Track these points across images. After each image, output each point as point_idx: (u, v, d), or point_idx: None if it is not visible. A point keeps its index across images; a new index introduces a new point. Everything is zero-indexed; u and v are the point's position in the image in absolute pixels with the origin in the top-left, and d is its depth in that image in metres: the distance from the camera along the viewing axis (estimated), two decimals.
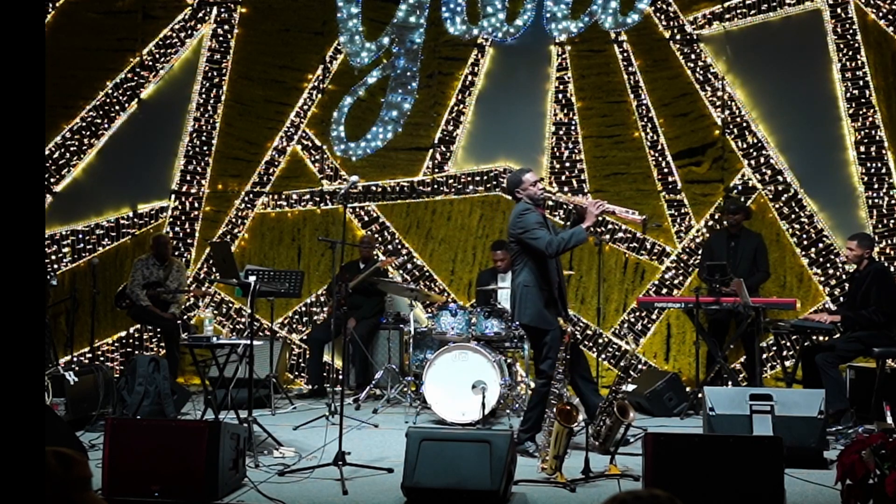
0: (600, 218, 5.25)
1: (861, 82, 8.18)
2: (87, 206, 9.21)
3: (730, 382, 7.33)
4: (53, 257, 9.12)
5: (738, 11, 8.46)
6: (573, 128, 8.66)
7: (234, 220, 9.09)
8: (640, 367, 8.34)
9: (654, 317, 8.46)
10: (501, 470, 4.29)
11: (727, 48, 8.48)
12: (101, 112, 9.23)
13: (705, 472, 4.21)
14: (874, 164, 8.15)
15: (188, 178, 9.15)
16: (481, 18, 8.78)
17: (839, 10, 8.25)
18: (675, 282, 8.43)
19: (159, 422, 5.61)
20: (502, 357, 6.83)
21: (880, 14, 8.20)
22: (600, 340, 8.42)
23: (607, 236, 8.52)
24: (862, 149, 8.18)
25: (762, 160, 8.36)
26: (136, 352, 8.73)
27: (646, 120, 8.54)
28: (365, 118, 8.97)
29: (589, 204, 5.23)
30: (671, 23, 8.55)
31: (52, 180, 9.18)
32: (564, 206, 8.25)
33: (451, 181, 8.86)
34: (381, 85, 8.95)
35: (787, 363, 7.78)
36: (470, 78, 8.85)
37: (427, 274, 8.80)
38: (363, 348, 7.78)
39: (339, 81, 9.04)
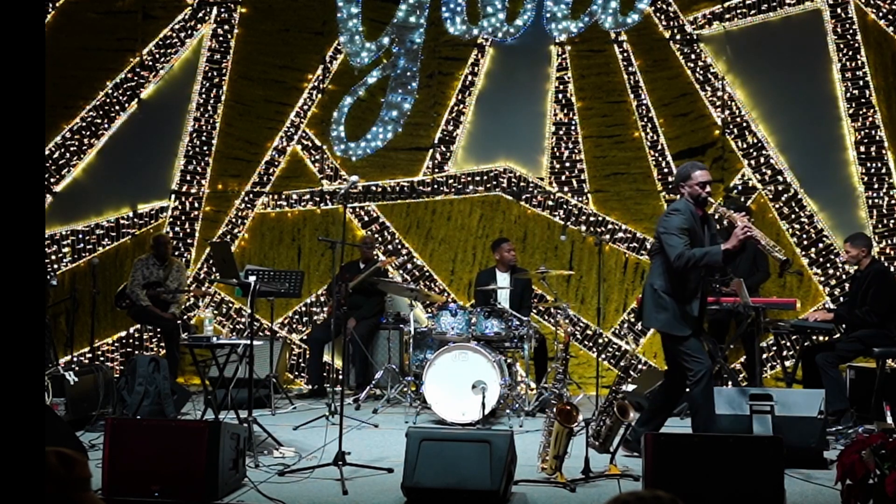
0: (741, 242, 4.92)
1: (861, 82, 8.19)
2: (87, 206, 9.21)
3: (730, 382, 7.33)
4: (53, 257, 9.12)
5: (738, 11, 8.47)
6: (573, 128, 8.66)
7: (234, 220, 9.09)
8: (640, 367, 8.34)
9: None
10: (501, 470, 4.28)
11: (727, 48, 8.48)
12: (101, 112, 9.24)
13: (705, 472, 4.20)
14: (874, 164, 8.15)
15: (188, 178, 9.15)
16: (481, 18, 8.79)
17: (839, 10, 8.26)
18: None
19: (159, 422, 5.61)
20: (502, 357, 6.83)
21: (880, 14, 8.21)
22: (600, 340, 8.42)
23: (607, 236, 8.52)
24: (862, 149, 8.18)
25: (762, 160, 8.36)
26: (136, 352, 8.73)
27: (646, 120, 8.54)
28: (365, 118, 8.98)
29: (738, 225, 4.94)
30: (671, 23, 8.56)
31: (52, 180, 9.18)
32: (563, 208, 8.24)
33: (451, 181, 8.86)
34: (381, 85, 8.96)
35: (787, 363, 7.78)
36: (470, 78, 8.85)
37: (427, 274, 8.80)
38: (363, 348, 7.78)
39: (339, 81, 9.04)
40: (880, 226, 8.10)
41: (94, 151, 9.25)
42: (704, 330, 5.28)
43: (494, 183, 8.78)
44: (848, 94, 8.22)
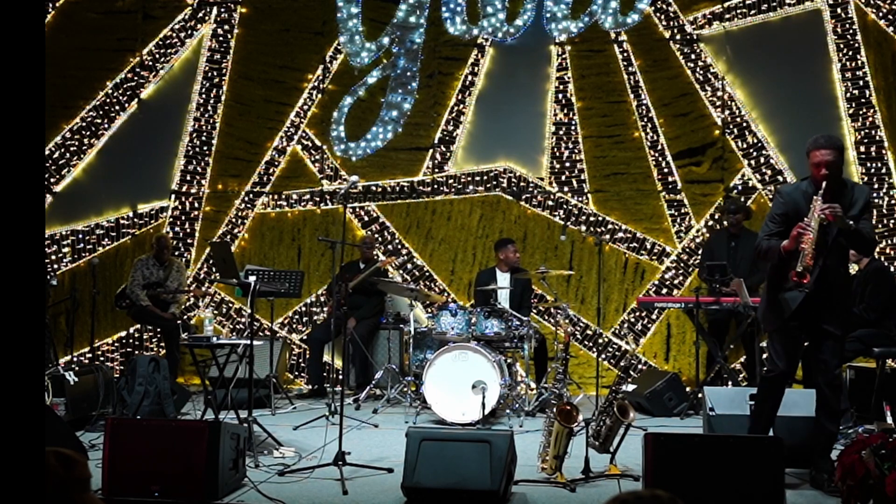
0: (795, 242, 4.44)
1: (861, 82, 8.19)
2: (87, 206, 9.21)
3: (730, 382, 7.33)
4: (53, 257, 9.12)
5: (738, 11, 8.47)
6: (573, 128, 8.66)
7: (234, 220, 9.09)
8: (640, 367, 8.34)
9: (654, 317, 8.46)
10: (501, 470, 4.28)
11: (727, 48, 8.48)
12: (101, 112, 9.24)
13: (705, 472, 4.20)
14: (874, 164, 8.15)
15: (188, 178, 9.15)
16: (481, 18, 8.79)
17: (839, 10, 8.26)
18: (675, 282, 8.43)
19: (159, 422, 5.60)
20: (502, 357, 6.83)
21: (880, 14, 8.21)
22: (600, 340, 8.42)
23: (607, 236, 8.52)
24: (862, 149, 8.18)
25: (762, 160, 8.36)
26: (136, 352, 8.73)
27: (646, 120, 8.54)
28: (365, 118, 8.98)
29: (806, 221, 4.43)
30: (671, 23, 8.56)
31: (52, 180, 9.18)
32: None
33: (451, 181, 8.86)
34: (381, 85, 8.96)
35: None
36: (470, 78, 8.85)
37: (427, 274, 8.80)
38: (363, 348, 7.78)
39: (339, 81, 9.04)
40: (880, 226, 8.09)
41: (94, 151, 9.26)
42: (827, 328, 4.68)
43: (494, 183, 8.78)
44: (848, 94, 8.22)
